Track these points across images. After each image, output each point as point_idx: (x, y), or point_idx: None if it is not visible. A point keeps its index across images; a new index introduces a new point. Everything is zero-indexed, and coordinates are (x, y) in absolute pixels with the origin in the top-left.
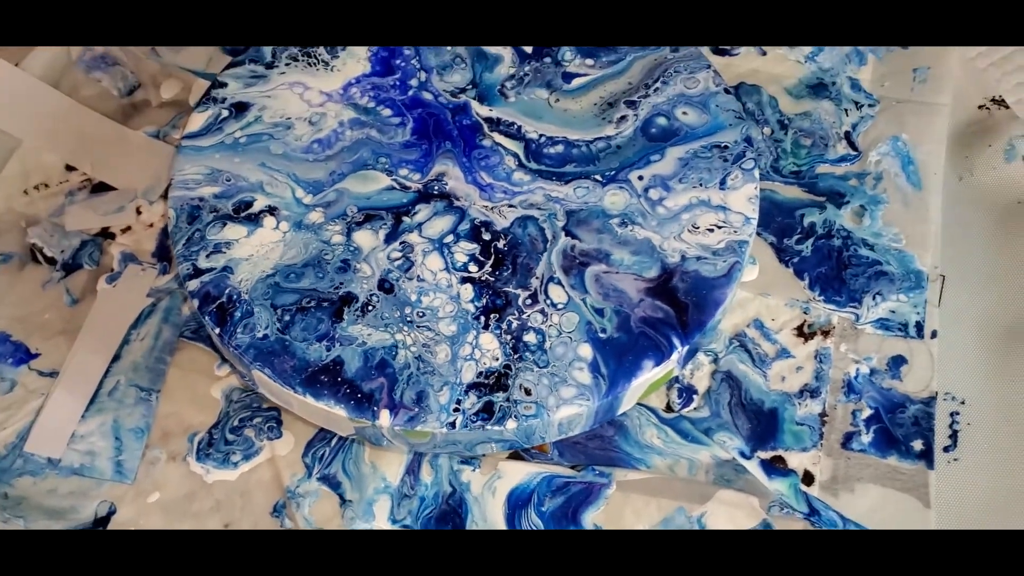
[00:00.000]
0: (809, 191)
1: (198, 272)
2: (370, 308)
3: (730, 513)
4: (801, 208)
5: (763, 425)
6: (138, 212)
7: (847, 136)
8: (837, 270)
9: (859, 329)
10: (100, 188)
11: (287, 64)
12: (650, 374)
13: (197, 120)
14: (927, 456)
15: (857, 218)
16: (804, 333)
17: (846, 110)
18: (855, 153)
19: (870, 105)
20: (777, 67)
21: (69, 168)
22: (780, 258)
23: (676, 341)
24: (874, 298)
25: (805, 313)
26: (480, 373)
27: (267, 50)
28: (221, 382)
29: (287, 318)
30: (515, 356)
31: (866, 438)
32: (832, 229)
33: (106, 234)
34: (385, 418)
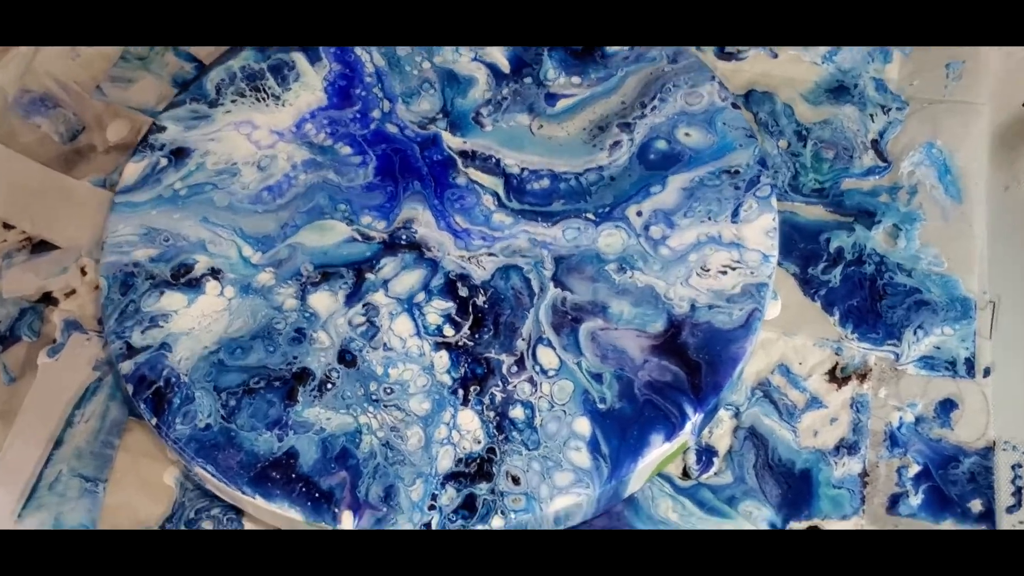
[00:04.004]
0: (834, 210)
1: (132, 351)
2: (329, 386)
3: None
4: (826, 231)
5: (795, 490)
6: (83, 272)
7: (874, 145)
8: (871, 301)
9: (900, 370)
10: (41, 247)
11: (233, 101)
12: (660, 450)
13: (132, 171)
14: (988, 518)
15: (891, 239)
16: (837, 377)
17: (871, 115)
18: (884, 164)
19: (898, 108)
20: (791, 70)
21: (6, 226)
22: (805, 290)
23: (688, 409)
24: (915, 332)
25: (837, 354)
26: (459, 460)
27: (211, 86)
28: (175, 467)
29: (232, 403)
30: (500, 437)
31: (915, 500)
32: (863, 253)
33: (48, 299)
34: (348, 521)
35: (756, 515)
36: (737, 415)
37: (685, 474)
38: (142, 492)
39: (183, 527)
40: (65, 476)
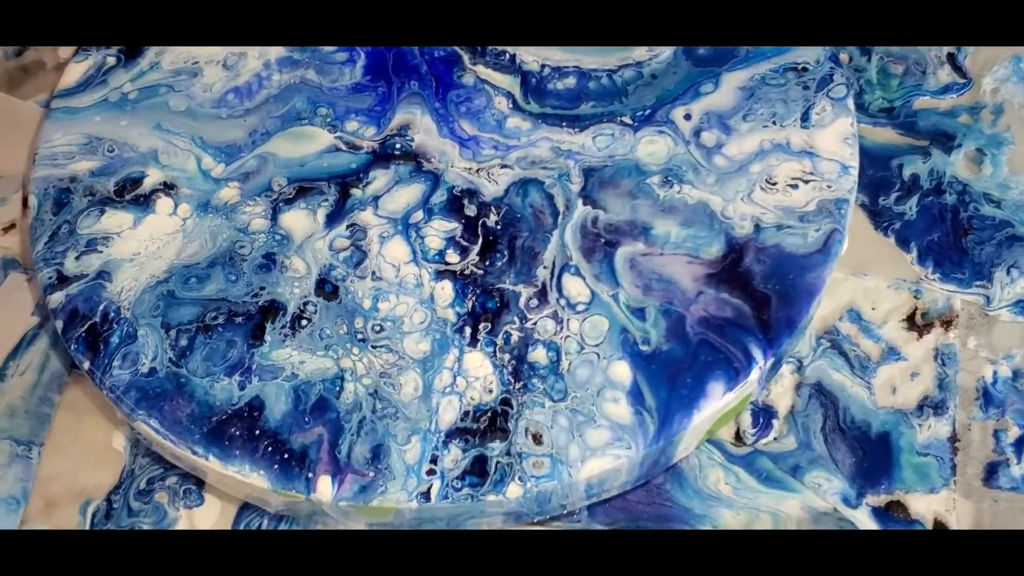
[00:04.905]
0: (907, 133)
1: (63, 281)
2: (304, 322)
3: None
4: (898, 156)
5: (872, 457)
6: (25, 204)
7: (950, 59)
8: (954, 237)
9: (991, 316)
10: None
11: None
12: (720, 403)
13: (73, 73)
14: None
15: (975, 165)
16: (917, 325)
17: None
18: (963, 81)
19: None
20: None
21: None
22: (876, 223)
23: (755, 351)
24: (1008, 272)
25: (916, 297)
26: (466, 413)
27: None
28: (125, 427)
29: (184, 343)
30: (517, 385)
31: (1018, 469)
32: (942, 182)
33: None
34: (325, 489)
35: (826, 487)
36: (800, 369)
37: (738, 439)
38: (85, 459)
39: (133, 498)
40: None
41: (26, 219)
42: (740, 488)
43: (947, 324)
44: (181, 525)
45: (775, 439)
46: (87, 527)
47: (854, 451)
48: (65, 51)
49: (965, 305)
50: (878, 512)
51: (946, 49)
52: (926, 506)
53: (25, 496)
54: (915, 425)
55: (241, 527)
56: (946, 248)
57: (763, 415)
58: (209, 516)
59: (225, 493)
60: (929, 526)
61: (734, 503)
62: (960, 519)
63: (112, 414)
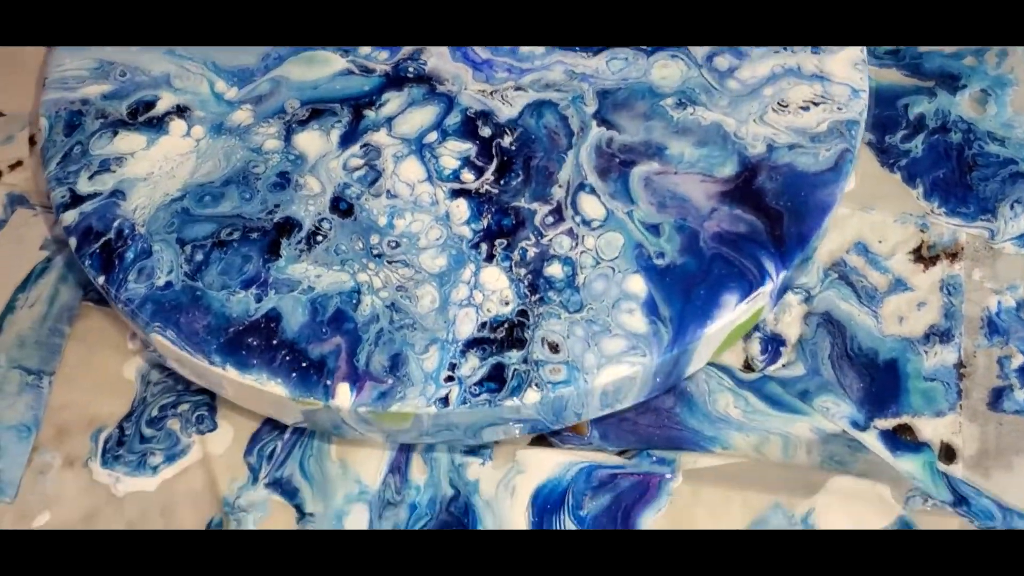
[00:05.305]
0: (912, 74)
1: (77, 200)
2: (319, 238)
3: (850, 509)
4: (904, 96)
5: (880, 383)
6: (31, 142)
7: None
8: (959, 173)
9: (996, 248)
10: None
11: None
12: (733, 315)
13: None
14: None
15: (979, 106)
16: (924, 257)
17: None
18: None
19: None
20: None
21: None
22: (883, 161)
23: (768, 264)
24: (1012, 207)
25: (923, 231)
26: (484, 324)
27: None
28: (136, 358)
29: (199, 257)
30: (534, 298)
31: (1021, 394)
32: (947, 121)
33: None
34: (344, 395)
35: (834, 411)
36: (808, 299)
37: (748, 366)
38: (96, 388)
39: (144, 425)
40: (3, 368)
41: (33, 156)
42: (751, 412)
43: (953, 256)
44: (194, 451)
45: (784, 366)
46: (99, 454)
47: (862, 377)
48: None
49: (970, 238)
50: (887, 435)
51: None
52: (933, 429)
53: (36, 424)
54: (922, 352)
55: (254, 453)
56: (952, 184)
57: (772, 343)
58: (222, 441)
59: (239, 418)
60: (936, 448)
61: (744, 426)
62: (966, 442)
63: (123, 345)
